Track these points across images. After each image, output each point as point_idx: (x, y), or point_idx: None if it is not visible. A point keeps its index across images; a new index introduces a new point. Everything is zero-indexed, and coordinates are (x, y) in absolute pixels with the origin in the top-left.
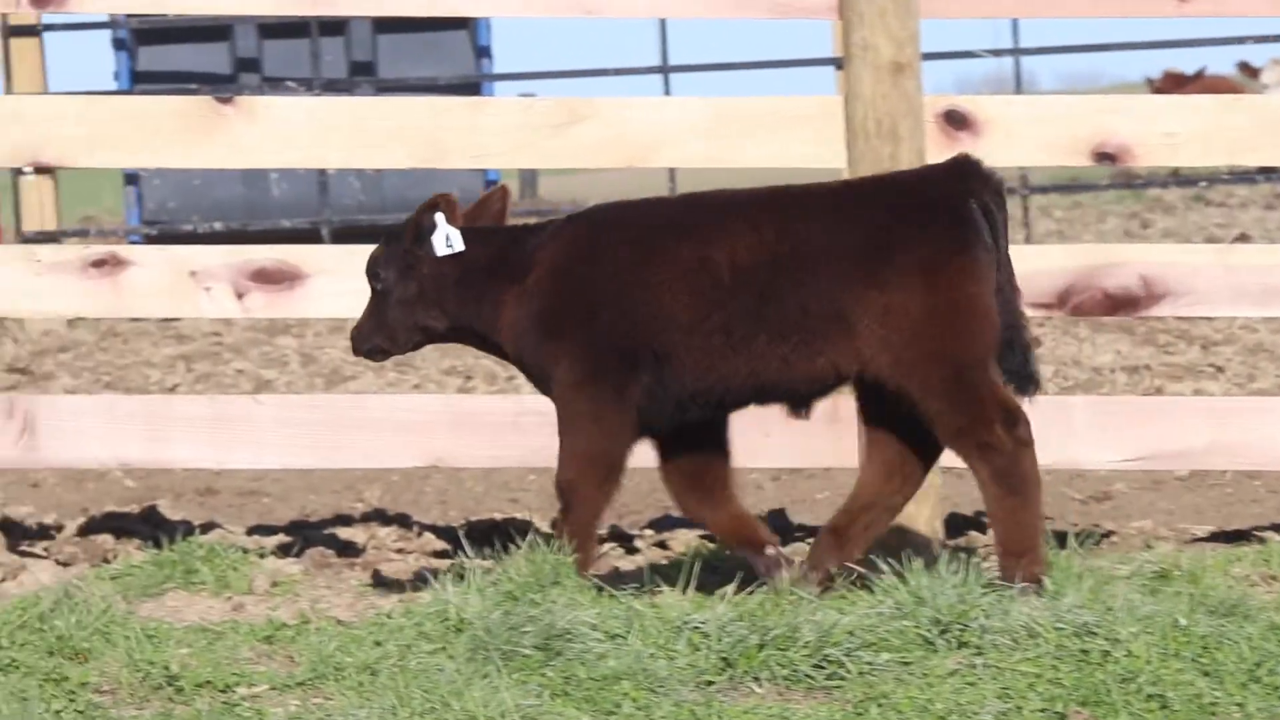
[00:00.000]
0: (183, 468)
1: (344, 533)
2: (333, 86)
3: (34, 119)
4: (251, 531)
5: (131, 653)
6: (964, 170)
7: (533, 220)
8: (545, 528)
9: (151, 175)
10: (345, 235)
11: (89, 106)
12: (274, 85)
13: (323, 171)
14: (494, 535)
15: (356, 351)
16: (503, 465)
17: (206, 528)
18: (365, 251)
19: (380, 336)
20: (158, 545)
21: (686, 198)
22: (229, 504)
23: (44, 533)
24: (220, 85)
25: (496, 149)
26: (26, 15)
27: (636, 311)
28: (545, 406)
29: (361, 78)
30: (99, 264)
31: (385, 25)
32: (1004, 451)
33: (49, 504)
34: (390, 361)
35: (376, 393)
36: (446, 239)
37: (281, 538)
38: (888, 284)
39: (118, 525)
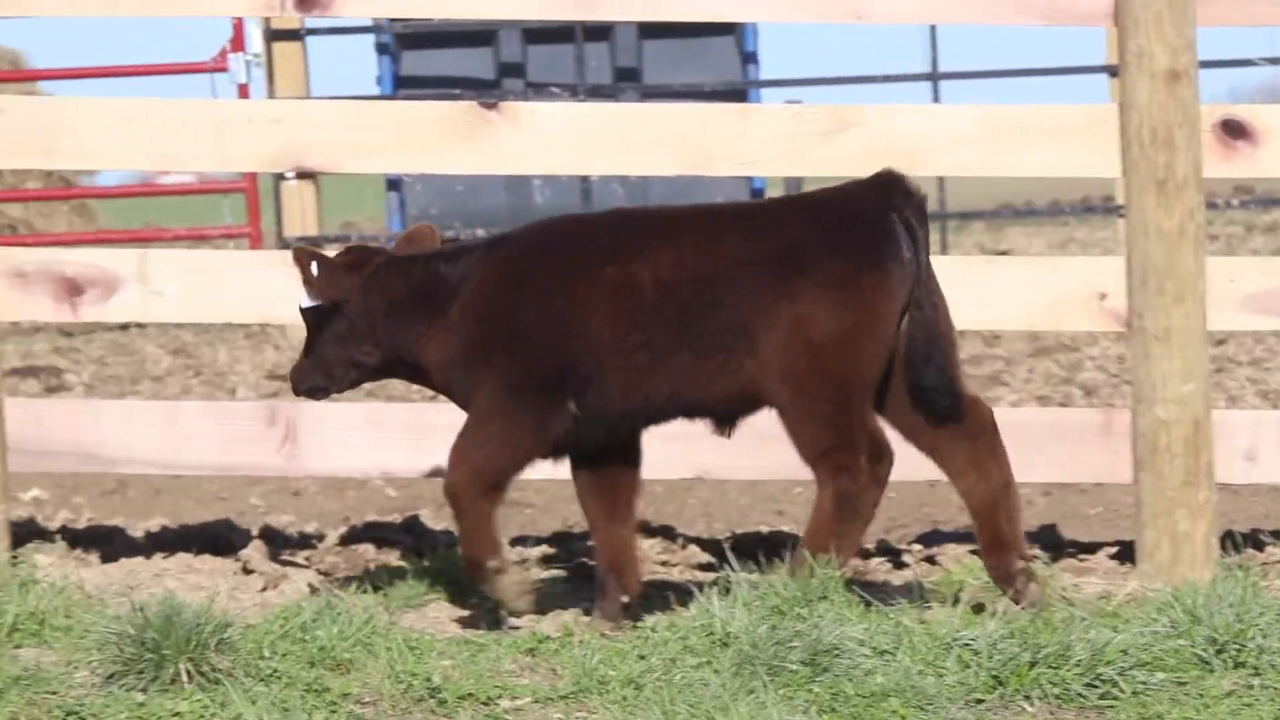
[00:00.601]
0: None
1: None
2: (597, 92)
3: (297, 124)
4: (514, 542)
5: (393, 664)
6: (886, 185)
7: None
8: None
9: (414, 181)
10: None
11: (353, 111)
12: (538, 91)
13: (586, 178)
14: (759, 548)
15: (296, 391)
16: (767, 477)
17: None
18: None
19: (318, 375)
20: (420, 556)
21: (610, 215)
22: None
23: (305, 542)
24: (484, 90)
25: (764, 157)
26: (290, 19)
27: (562, 334)
28: None
29: (626, 83)
30: None
31: (650, 30)
32: (857, 480)
33: (310, 513)
34: None
35: None
36: (308, 293)
37: (545, 549)
38: (799, 296)
39: (379, 535)
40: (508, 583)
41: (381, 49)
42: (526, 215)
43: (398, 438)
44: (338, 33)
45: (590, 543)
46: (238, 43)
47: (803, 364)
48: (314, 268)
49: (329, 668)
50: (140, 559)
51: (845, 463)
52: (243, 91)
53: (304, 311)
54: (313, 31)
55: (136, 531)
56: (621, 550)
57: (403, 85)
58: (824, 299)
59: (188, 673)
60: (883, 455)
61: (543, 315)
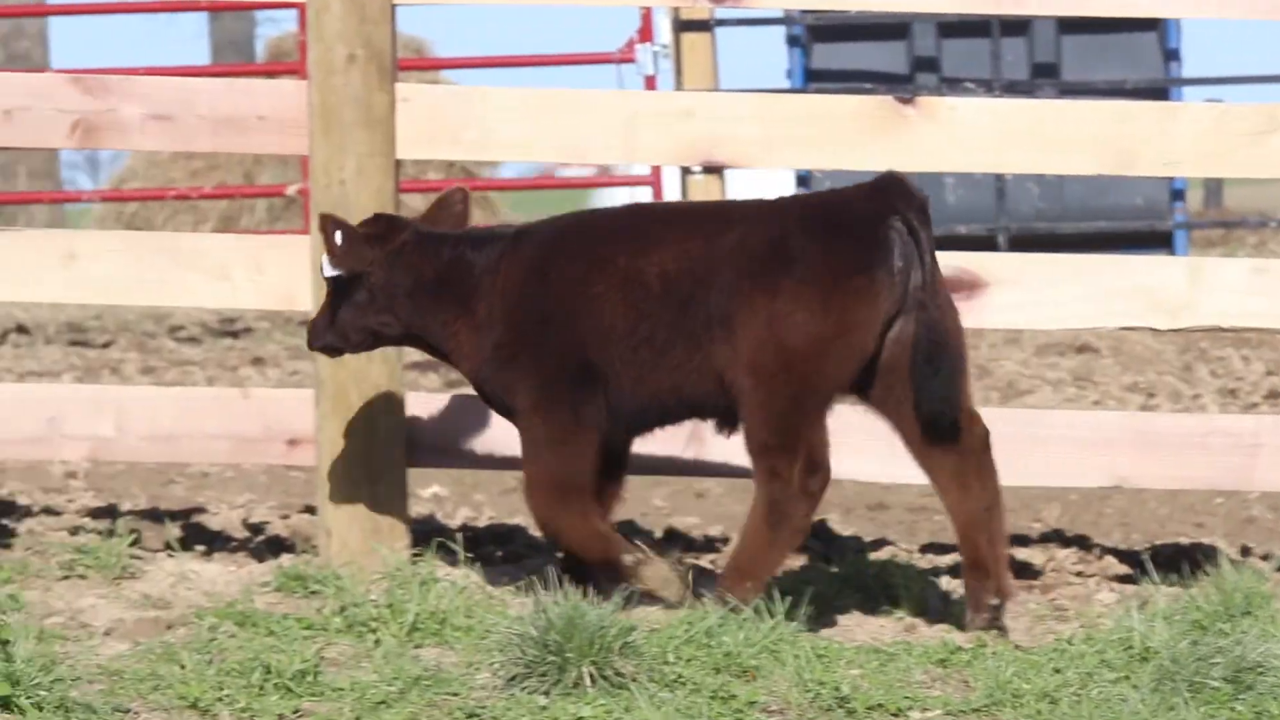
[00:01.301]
0: (852, 481)
1: (1021, 553)
2: (1013, 88)
3: (708, 117)
4: (924, 549)
5: (801, 672)
6: (886, 189)
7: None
8: (1232, 553)
9: (823, 177)
10: (1023, 243)
11: (765, 105)
12: (951, 86)
13: (999, 177)
14: (1179, 560)
15: (310, 346)
16: (1187, 487)
17: (876, 544)
18: (1045, 261)
19: (332, 335)
20: (828, 561)
21: (626, 209)
22: (899, 520)
23: (709, 545)
24: (896, 85)
25: (1187, 157)
26: (699, 10)
27: (582, 327)
28: (1234, 426)
29: (1044, 80)
30: None
31: (1070, 25)
32: (787, 488)
33: (714, 515)
34: (1069, 376)
35: (1055, 408)
36: (329, 262)
37: (954, 557)
38: (780, 292)
39: None
40: (654, 573)
41: (792, 41)
42: (938, 213)
43: None
44: (747, 24)
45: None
46: (645, 33)
47: (770, 359)
48: (337, 236)
49: (734, 674)
50: (541, 558)
51: (779, 468)
52: (649, 83)
53: (323, 273)
54: (722, 23)
55: (533, 530)
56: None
57: (813, 79)
58: (803, 299)
59: (590, 676)
60: (818, 470)
61: (564, 309)
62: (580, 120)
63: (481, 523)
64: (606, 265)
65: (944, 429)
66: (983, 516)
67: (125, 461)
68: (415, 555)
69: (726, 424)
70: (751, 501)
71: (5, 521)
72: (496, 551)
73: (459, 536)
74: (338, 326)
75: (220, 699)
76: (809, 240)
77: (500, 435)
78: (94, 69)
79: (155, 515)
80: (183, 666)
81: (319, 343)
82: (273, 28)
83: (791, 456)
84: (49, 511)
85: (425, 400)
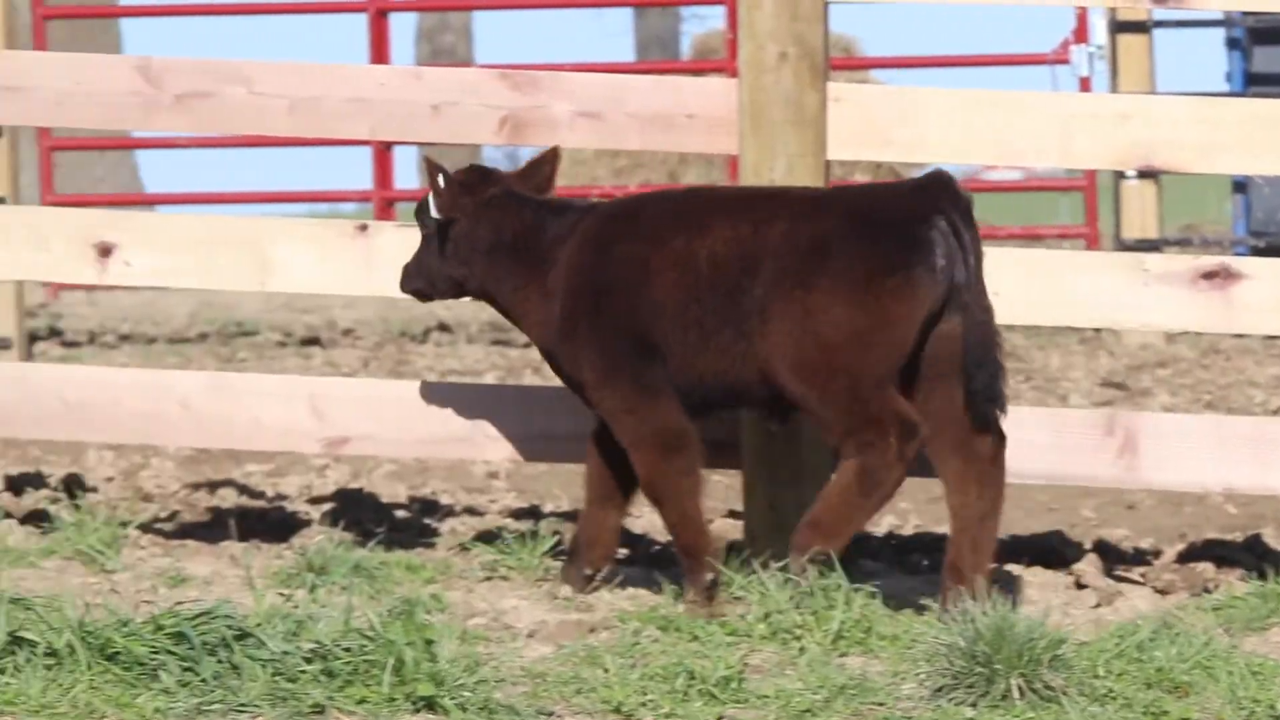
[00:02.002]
0: None
1: None
2: None
3: (1145, 120)
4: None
5: (1235, 689)
6: (933, 187)
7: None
8: None
9: (1263, 184)
10: None
11: (1206, 109)
12: None
13: None
14: None
15: (401, 288)
16: None
17: None
18: None
19: (421, 280)
20: (1262, 577)
21: (688, 192)
22: None
23: (1140, 558)
24: None
25: None
26: (1139, 11)
27: (638, 304)
28: None
29: None
30: (1209, 276)
31: None
32: (885, 458)
33: (1145, 528)
34: None
35: None
36: (434, 207)
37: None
38: (815, 287)
39: (1219, 553)
40: (705, 591)
41: (1232, 44)
42: None
43: (1241, 452)
44: (1185, 26)
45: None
46: (1080, 34)
47: (811, 357)
48: (440, 180)
49: (1166, 690)
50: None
51: (872, 440)
52: (1084, 85)
53: (418, 215)
54: (1160, 24)
55: None
56: (608, 532)
57: (1253, 83)
58: (840, 294)
59: (1019, 689)
60: (914, 435)
61: (622, 285)
62: (1014, 122)
63: (907, 530)
64: (664, 245)
65: (987, 425)
66: (975, 524)
67: (548, 463)
68: (840, 562)
69: (772, 415)
70: (839, 468)
71: (428, 521)
72: (922, 560)
73: (884, 544)
74: (426, 272)
75: (644, 704)
76: (850, 236)
77: None
78: (518, 64)
79: (577, 518)
80: (606, 670)
81: (409, 286)
82: (698, 24)
83: (881, 428)
84: (471, 512)
85: None
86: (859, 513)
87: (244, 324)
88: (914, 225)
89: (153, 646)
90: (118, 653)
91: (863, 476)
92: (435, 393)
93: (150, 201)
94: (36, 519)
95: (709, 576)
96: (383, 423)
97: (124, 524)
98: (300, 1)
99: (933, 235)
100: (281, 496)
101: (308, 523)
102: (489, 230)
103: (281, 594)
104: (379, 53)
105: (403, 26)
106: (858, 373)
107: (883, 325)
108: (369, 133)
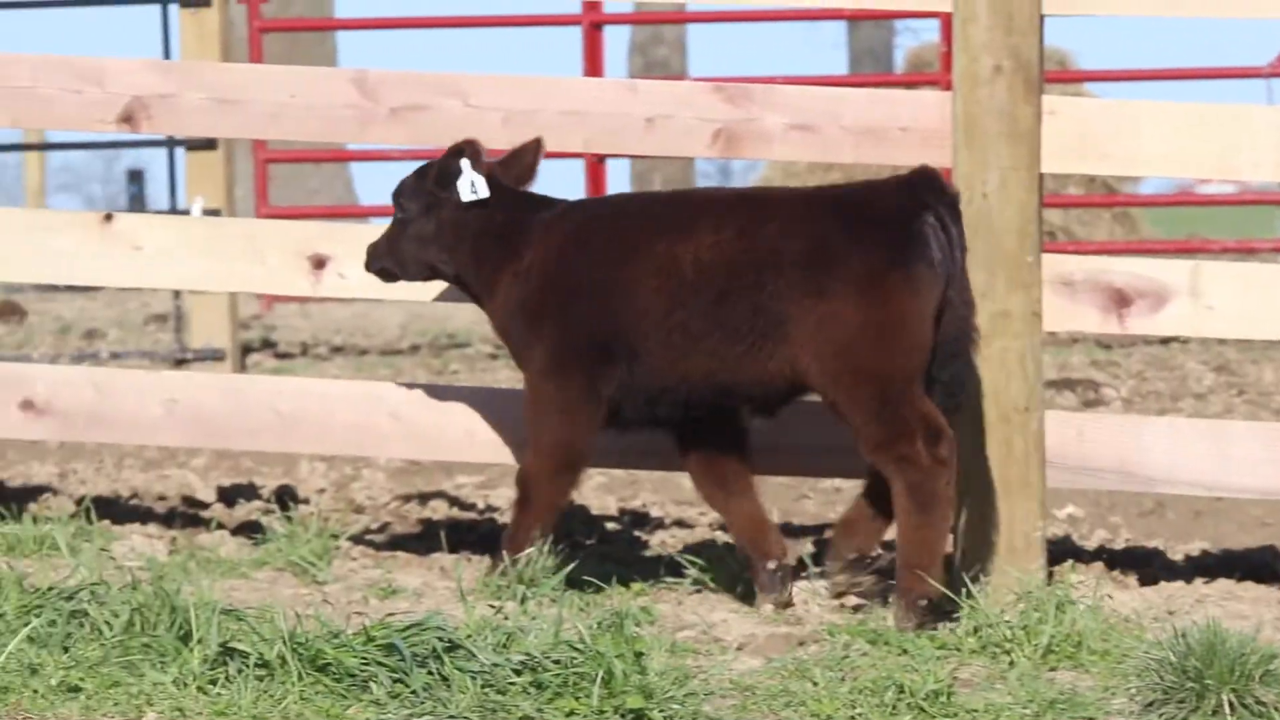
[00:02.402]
0: None
1: None
2: None
3: None
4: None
5: None
6: (919, 183)
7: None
8: None
9: None
10: None
11: None
12: None
13: None
14: None
15: (367, 268)
16: None
17: None
18: None
19: (390, 260)
20: None
21: (671, 194)
22: None
23: None
24: None
25: None
26: None
27: (612, 305)
28: None
29: None
30: None
31: None
32: (921, 467)
33: None
34: None
35: None
36: (471, 185)
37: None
38: (825, 292)
39: None
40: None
41: None
42: None
43: None
44: None
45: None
46: None
47: (836, 362)
48: (462, 165)
49: None
50: (1180, 583)
51: (903, 452)
52: None
53: (396, 197)
54: None
55: (1176, 554)
56: (754, 521)
57: None
58: (850, 297)
59: (1230, 704)
60: (940, 438)
61: (597, 284)
62: (1232, 136)
63: (1118, 545)
64: (644, 249)
65: (949, 413)
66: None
67: (775, 476)
68: (1050, 576)
69: (760, 411)
70: (894, 497)
71: (638, 533)
72: (1133, 575)
73: (1095, 559)
74: (398, 253)
75: (853, 717)
76: (846, 237)
77: (1140, 456)
78: (731, 77)
79: (788, 530)
80: (815, 684)
81: (374, 266)
82: (911, 38)
83: (910, 437)
84: (681, 524)
85: (1062, 419)
86: (935, 533)
87: (455, 336)
88: (908, 220)
89: (363, 658)
90: (328, 664)
91: (916, 497)
92: None
93: (364, 214)
94: (249, 530)
95: (510, 558)
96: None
97: (335, 536)
98: (515, 14)
99: (926, 230)
100: (492, 509)
101: None
102: (478, 218)
103: (492, 606)
104: (593, 65)
105: (616, 39)
106: (882, 374)
107: (897, 322)
108: (583, 145)
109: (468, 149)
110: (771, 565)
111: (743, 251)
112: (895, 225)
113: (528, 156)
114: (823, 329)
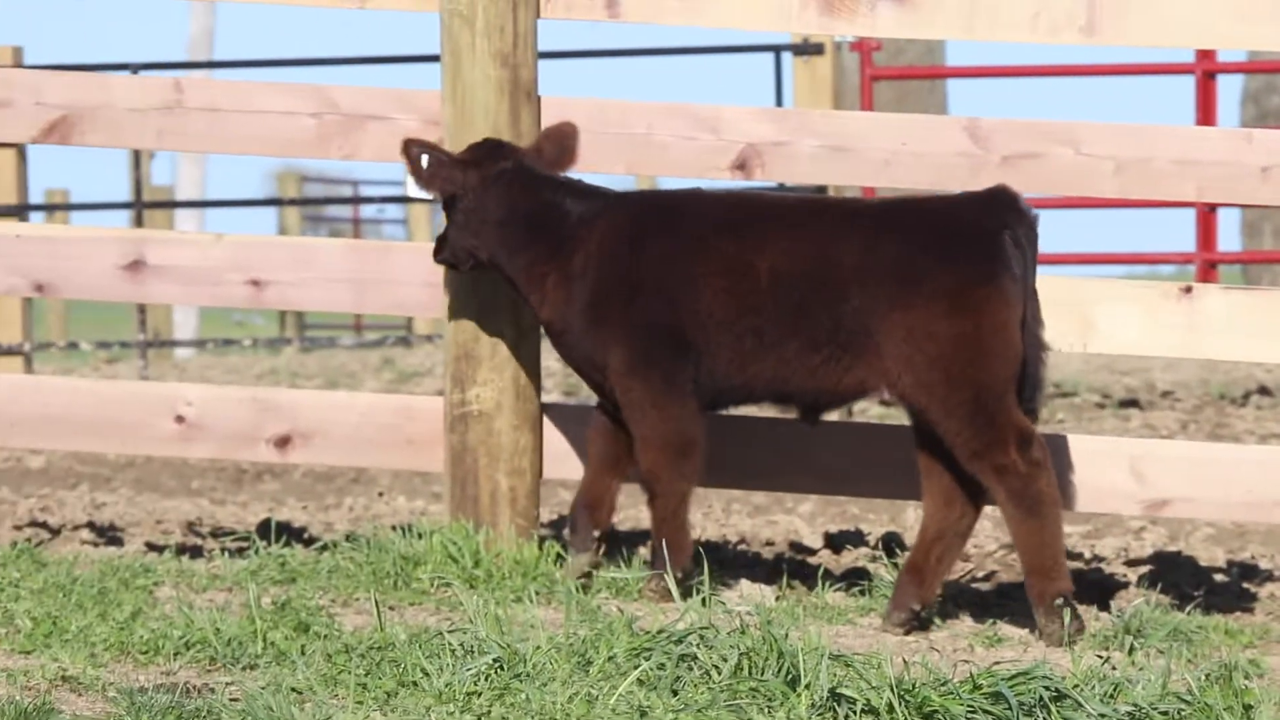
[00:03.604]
0: None
1: None
2: None
3: None
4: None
5: None
6: (1000, 201)
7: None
8: None
9: None
10: None
11: None
12: None
13: None
14: None
15: (434, 258)
16: None
17: None
18: None
19: (447, 251)
20: None
21: (733, 195)
22: None
23: None
24: None
25: None
26: None
27: (678, 302)
28: None
29: None
30: None
31: None
32: (1019, 473)
33: None
34: None
35: None
36: (414, 184)
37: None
38: (913, 307)
39: None
40: (658, 587)
41: None
42: None
43: None
44: None
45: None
46: None
47: (927, 374)
48: (423, 160)
49: None
50: None
51: (997, 460)
52: None
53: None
54: None
55: None
56: (604, 494)
57: None
58: (938, 310)
59: None
60: (1031, 442)
61: (662, 284)
62: None
63: None
64: (713, 251)
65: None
66: (950, 537)
67: None
68: None
69: (809, 414)
70: (1000, 507)
71: (1246, 585)
72: None
73: None
74: (449, 244)
75: None
76: (935, 250)
77: None
78: None
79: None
80: None
81: (438, 257)
82: None
83: (1004, 445)
84: None
85: None
86: (1050, 533)
87: (1062, 385)
88: (992, 235)
89: (970, 706)
90: (935, 711)
91: (1019, 502)
92: (1258, 456)
93: None
94: (855, 576)
95: (678, 573)
96: (1204, 485)
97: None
98: (1128, 63)
99: (1008, 245)
100: (1099, 558)
101: (1124, 584)
102: (497, 204)
103: (1099, 656)
104: (1205, 114)
105: (1229, 88)
106: (977, 381)
107: (988, 331)
108: (1195, 194)
109: (413, 148)
110: (596, 534)
111: (827, 264)
112: (983, 240)
113: (565, 140)
114: (913, 341)
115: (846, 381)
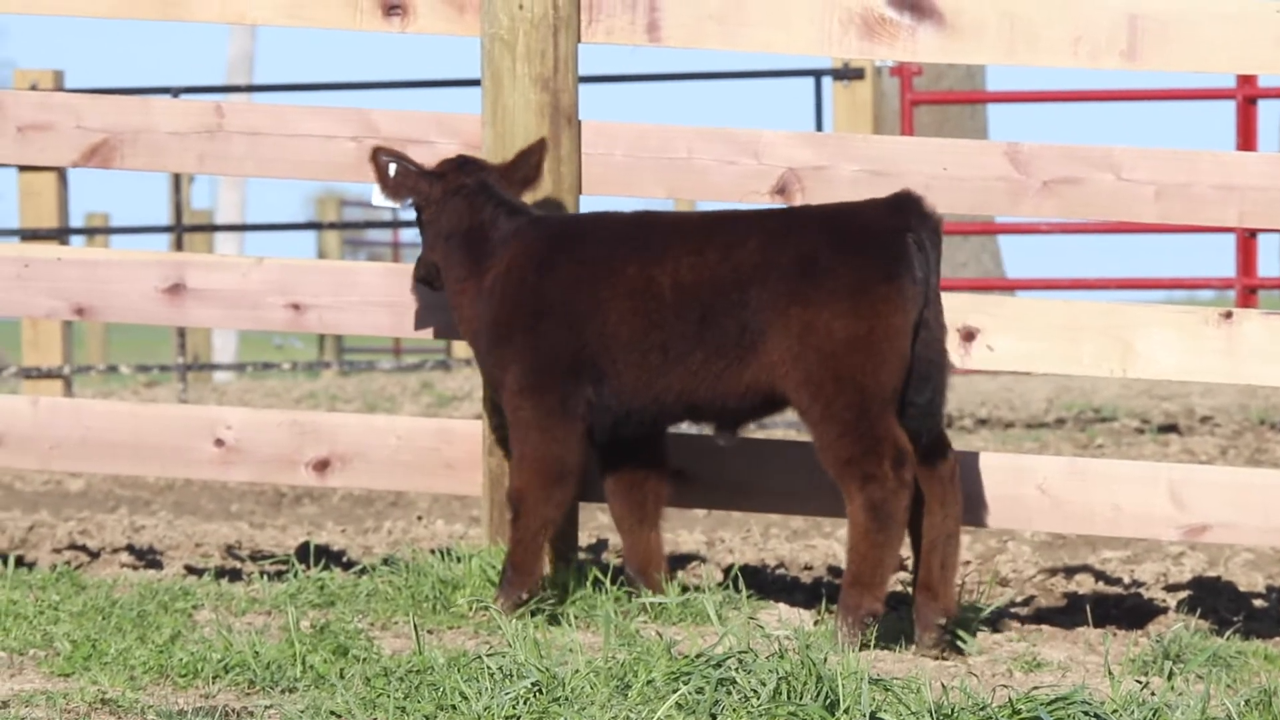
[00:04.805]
0: None
1: None
2: None
3: None
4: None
5: None
6: (904, 204)
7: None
8: None
9: None
10: None
11: None
12: None
13: None
14: None
15: (414, 278)
16: None
17: None
18: None
19: (420, 269)
20: None
21: (637, 215)
22: None
23: None
24: None
25: None
26: None
27: (582, 325)
28: None
29: None
30: None
31: None
32: (884, 487)
33: None
34: None
35: None
36: (379, 191)
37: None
38: (812, 303)
39: None
40: (510, 605)
41: None
42: None
43: None
44: None
45: None
46: None
47: (817, 371)
48: (390, 168)
49: None
50: None
51: (870, 470)
52: None
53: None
54: None
55: None
56: (650, 551)
57: None
58: (836, 306)
59: None
60: (905, 461)
61: (565, 305)
62: None
63: None
64: (615, 272)
65: (924, 446)
66: (942, 542)
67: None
68: None
69: (725, 427)
70: (849, 512)
71: None
72: None
73: None
74: (422, 261)
75: None
76: (834, 250)
77: None
78: None
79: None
80: None
81: (415, 276)
82: None
83: (879, 456)
84: None
85: None
86: (887, 551)
87: (1101, 410)
88: (894, 237)
89: None
90: None
91: (874, 514)
92: None
93: (1011, 286)
94: (893, 601)
95: (523, 595)
96: (1244, 511)
97: (978, 609)
98: (1169, 88)
99: (910, 248)
100: (1138, 583)
101: (1164, 610)
102: (448, 219)
103: (1138, 681)
104: (1246, 140)
105: (1270, 113)
106: (864, 384)
107: (882, 333)
108: (1236, 219)
109: (381, 156)
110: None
111: (726, 271)
112: (884, 240)
113: (532, 157)
114: (807, 336)
115: (745, 381)
